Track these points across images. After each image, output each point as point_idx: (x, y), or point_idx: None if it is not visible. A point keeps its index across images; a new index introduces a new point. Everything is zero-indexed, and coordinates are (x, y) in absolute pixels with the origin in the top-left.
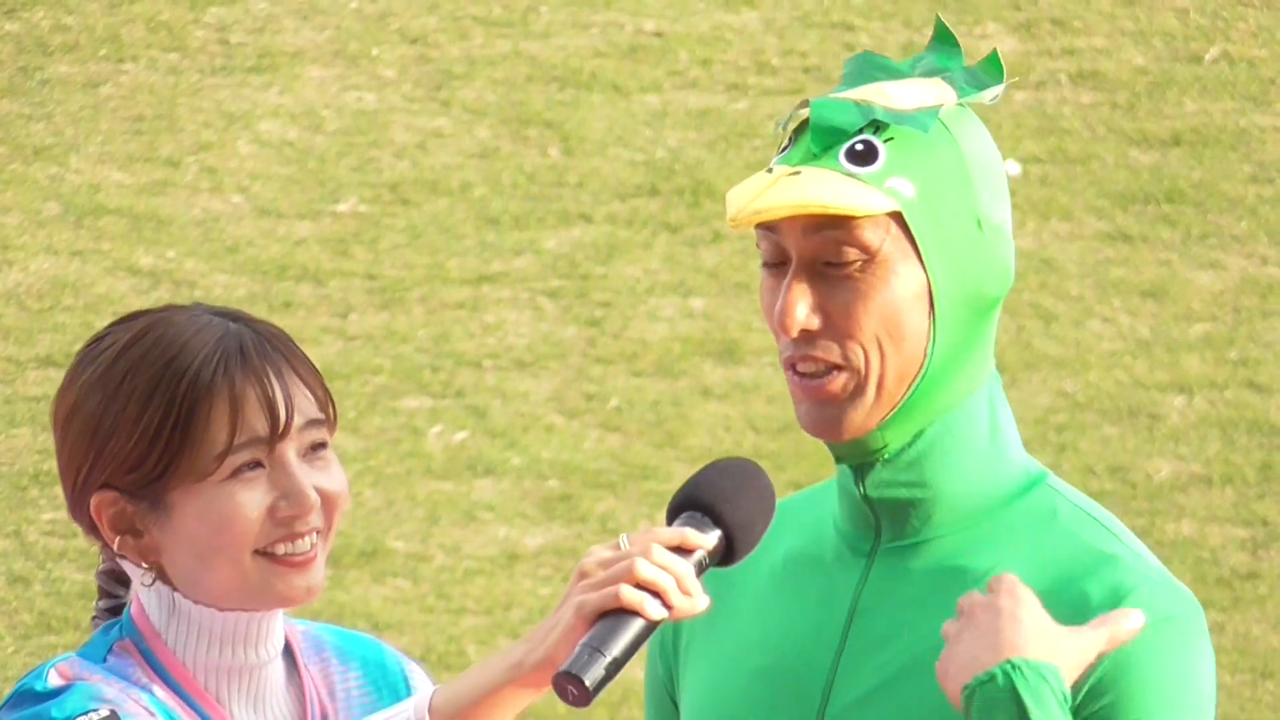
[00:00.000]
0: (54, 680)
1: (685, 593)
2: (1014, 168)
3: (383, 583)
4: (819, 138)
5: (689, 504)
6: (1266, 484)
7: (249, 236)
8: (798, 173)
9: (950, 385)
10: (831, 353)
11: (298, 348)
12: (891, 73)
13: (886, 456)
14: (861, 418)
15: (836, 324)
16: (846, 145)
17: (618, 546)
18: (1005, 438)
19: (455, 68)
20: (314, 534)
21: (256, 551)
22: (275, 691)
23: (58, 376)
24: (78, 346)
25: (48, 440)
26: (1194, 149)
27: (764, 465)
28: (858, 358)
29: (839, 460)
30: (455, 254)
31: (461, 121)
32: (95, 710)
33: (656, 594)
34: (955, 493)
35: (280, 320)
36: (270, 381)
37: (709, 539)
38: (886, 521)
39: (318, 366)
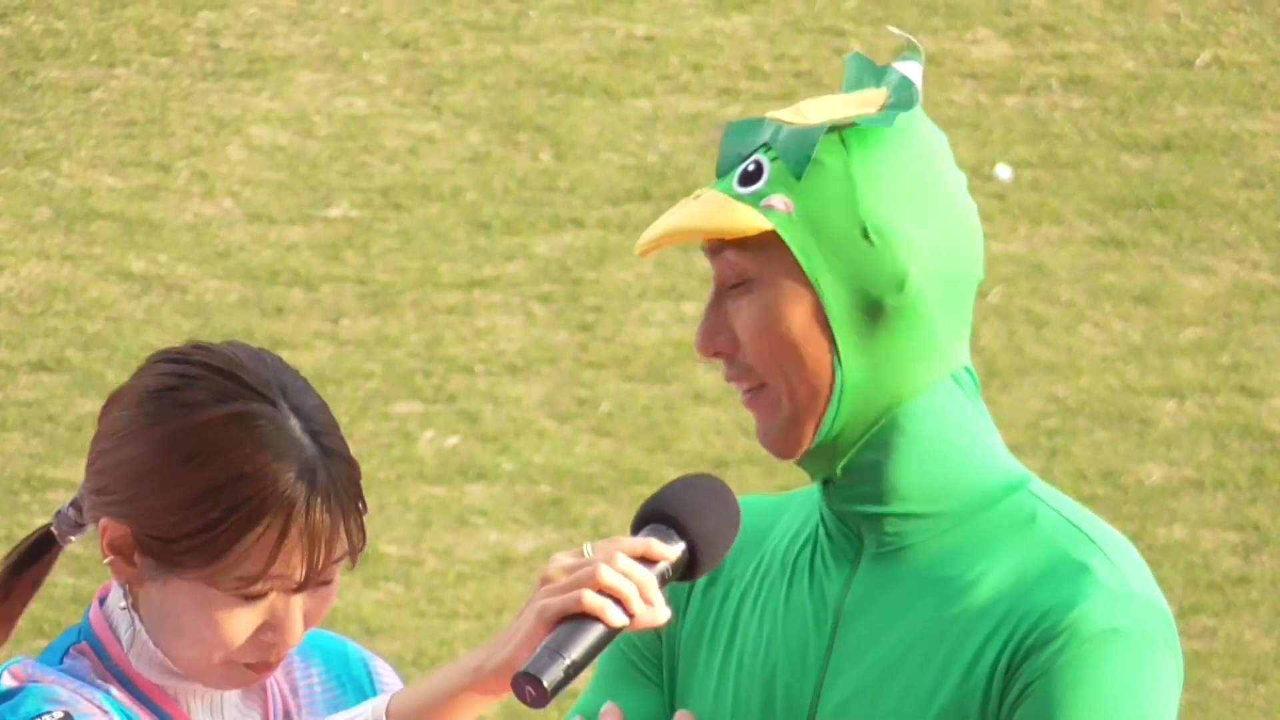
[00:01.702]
0: (7, 682)
1: (647, 601)
2: (1005, 172)
3: (375, 587)
4: (724, 161)
5: (654, 515)
6: (1258, 489)
7: (240, 241)
8: (698, 197)
9: (879, 394)
10: (745, 375)
11: (359, 487)
12: (876, 76)
13: (839, 472)
14: (794, 433)
15: (743, 346)
16: (741, 167)
17: (582, 554)
18: (977, 441)
19: (446, 72)
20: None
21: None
22: (235, 692)
23: (49, 381)
24: (69, 351)
25: (39, 445)
26: (1185, 154)
27: (757, 470)
28: (766, 376)
29: (811, 478)
30: (447, 259)
31: (452, 126)
32: (49, 713)
33: (619, 601)
34: (924, 500)
35: (271, 325)
36: (325, 538)
37: (673, 550)
38: (866, 531)
39: (309, 372)
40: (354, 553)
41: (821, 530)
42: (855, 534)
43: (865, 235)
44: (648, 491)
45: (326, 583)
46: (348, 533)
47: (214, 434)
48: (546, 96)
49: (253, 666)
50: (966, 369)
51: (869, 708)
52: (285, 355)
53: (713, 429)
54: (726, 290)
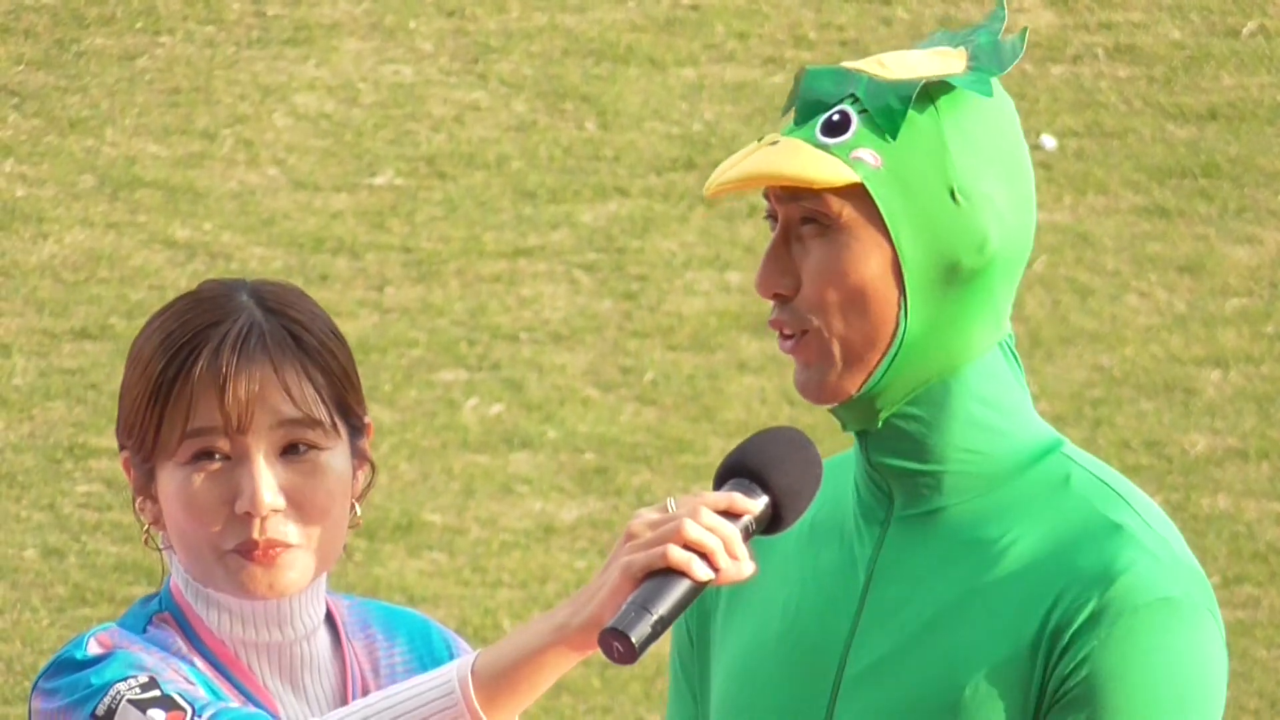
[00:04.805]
0: (93, 649)
1: (732, 556)
2: (1050, 142)
3: (419, 556)
4: (802, 108)
5: (737, 469)
6: None
7: (285, 209)
8: (776, 142)
9: (938, 353)
10: (796, 316)
11: (323, 347)
12: (951, 37)
13: (880, 424)
14: (834, 380)
15: (805, 289)
16: (825, 116)
17: (665, 509)
18: (1015, 406)
19: (492, 41)
20: (277, 546)
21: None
22: (313, 666)
23: (93, 349)
24: (113, 319)
25: (83, 413)
26: (1231, 123)
27: None
28: (819, 322)
29: (844, 427)
30: (491, 227)
31: (498, 95)
32: (134, 676)
33: (704, 556)
34: (961, 461)
35: (316, 293)
36: (235, 375)
37: (756, 504)
38: (898, 490)
39: (353, 340)
40: (317, 406)
41: (853, 495)
42: (886, 492)
43: (952, 196)
44: (692, 460)
45: (299, 449)
46: (307, 376)
47: (154, 319)
48: (592, 65)
49: (243, 552)
50: (1009, 335)
51: (900, 670)
52: None
53: (757, 397)
54: (795, 231)
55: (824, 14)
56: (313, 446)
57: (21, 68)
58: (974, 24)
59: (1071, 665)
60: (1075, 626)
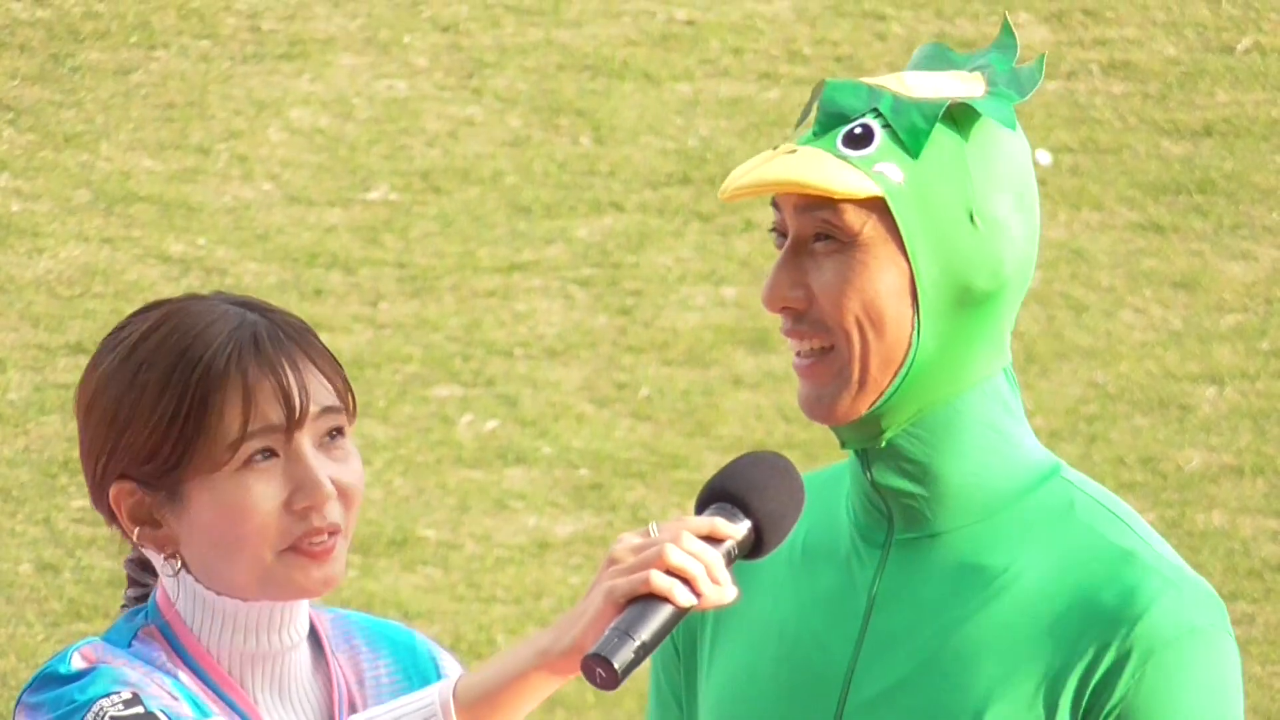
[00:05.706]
0: (78, 663)
1: (714, 581)
2: (1045, 158)
3: (413, 571)
4: (823, 119)
5: (719, 494)
6: None
7: (279, 224)
8: (794, 151)
9: (945, 376)
10: (816, 332)
11: (315, 337)
12: (952, 64)
13: (884, 444)
14: (848, 402)
15: (820, 304)
16: (847, 128)
17: (648, 534)
18: (1015, 431)
19: (487, 56)
20: (332, 531)
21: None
22: (300, 678)
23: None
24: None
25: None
26: (1225, 139)
27: (795, 455)
28: (840, 340)
29: (843, 445)
30: (486, 242)
31: (493, 110)
32: (117, 693)
33: (686, 581)
34: (963, 485)
35: (310, 308)
36: (284, 370)
37: (739, 529)
38: (898, 512)
39: (348, 355)
40: (341, 394)
41: (849, 515)
42: (885, 514)
43: (971, 219)
44: (687, 476)
45: (334, 434)
46: (318, 367)
47: (149, 340)
48: (587, 80)
49: (303, 549)
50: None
51: (909, 701)
52: (324, 338)
53: (752, 413)
54: (808, 245)
55: (819, 30)
56: (341, 432)
57: (16, 82)
58: (981, 47)
59: (1107, 707)
60: (1105, 667)
